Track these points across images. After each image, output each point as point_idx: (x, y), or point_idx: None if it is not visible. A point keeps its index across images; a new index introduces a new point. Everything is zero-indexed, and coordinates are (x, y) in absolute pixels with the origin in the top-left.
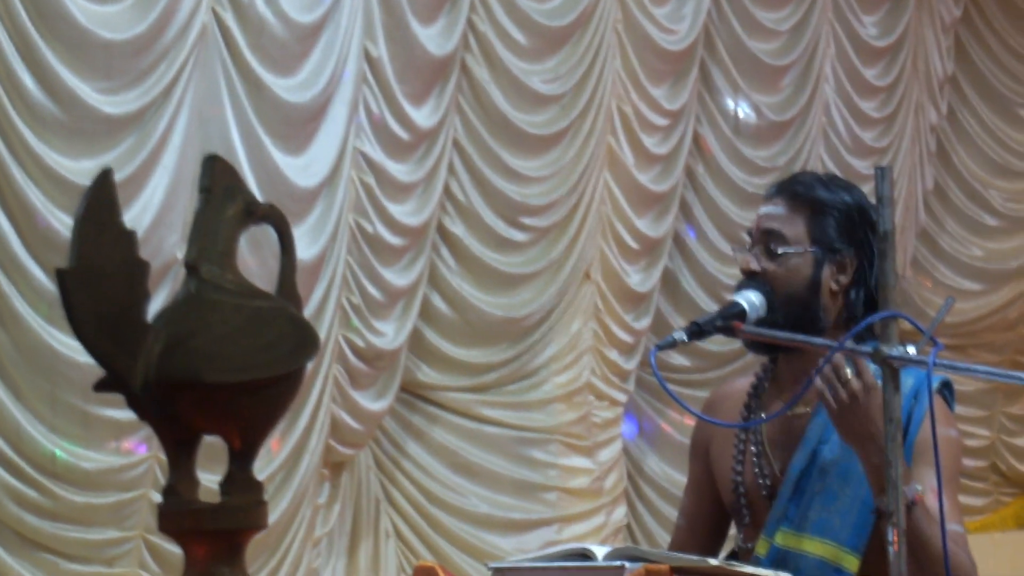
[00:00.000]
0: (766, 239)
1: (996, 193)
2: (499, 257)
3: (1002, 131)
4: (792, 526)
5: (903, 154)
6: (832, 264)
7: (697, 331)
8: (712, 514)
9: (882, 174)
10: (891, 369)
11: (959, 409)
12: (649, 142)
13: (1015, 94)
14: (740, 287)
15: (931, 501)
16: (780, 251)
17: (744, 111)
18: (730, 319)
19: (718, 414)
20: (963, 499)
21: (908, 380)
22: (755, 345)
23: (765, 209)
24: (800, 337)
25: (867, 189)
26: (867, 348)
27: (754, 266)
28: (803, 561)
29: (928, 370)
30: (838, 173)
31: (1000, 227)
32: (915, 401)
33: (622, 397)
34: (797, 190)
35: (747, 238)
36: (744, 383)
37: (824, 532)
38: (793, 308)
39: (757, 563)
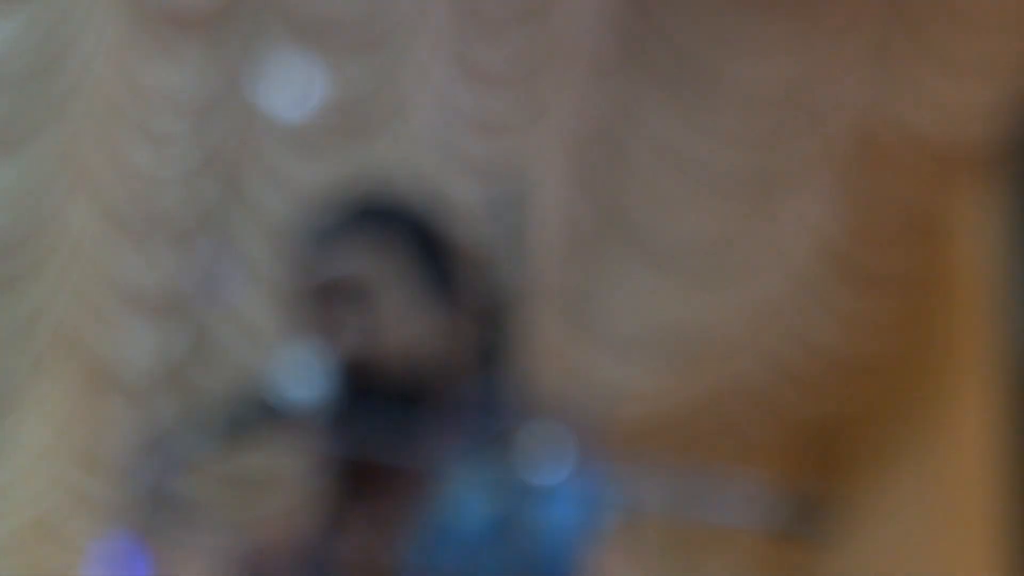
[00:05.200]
0: (342, 292)
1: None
2: None
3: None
4: None
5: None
6: (447, 319)
7: (235, 431)
8: None
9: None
10: (529, 492)
11: None
12: None
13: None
14: (297, 364)
15: None
16: (377, 308)
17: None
18: (277, 411)
19: None
20: None
21: (564, 507)
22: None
23: (329, 250)
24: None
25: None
26: (485, 461)
27: (327, 333)
28: None
29: (591, 490)
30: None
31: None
32: (577, 538)
33: (106, 539)
34: (370, 214)
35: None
36: (295, 526)
37: None
38: (399, 388)
39: None
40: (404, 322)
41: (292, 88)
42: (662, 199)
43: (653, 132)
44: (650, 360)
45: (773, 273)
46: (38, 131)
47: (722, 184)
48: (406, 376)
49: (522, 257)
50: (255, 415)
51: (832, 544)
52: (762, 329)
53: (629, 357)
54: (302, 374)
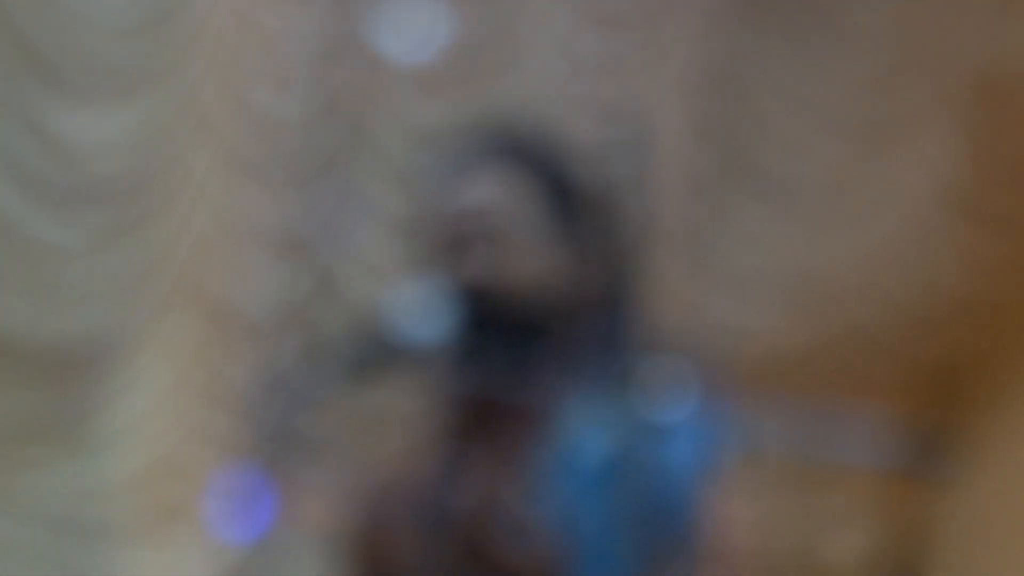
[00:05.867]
0: (471, 225)
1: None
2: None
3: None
4: None
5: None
6: (572, 255)
7: (358, 369)
8: None
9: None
10: (650, 430)
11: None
12: None
13: None
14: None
15: None
16: (505, 242)
17: None
18: (399, 348)
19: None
20: None
21: (684, 444)
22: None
23: (460, 182)
24: (510, 377)
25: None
26: (605, 398)
27: (453, 267)
28: None
29: (711, 428)
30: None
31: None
32: (696, 475)
33: (230, 475)
34: (501, 148)
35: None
36: (415, 464)
37: None
38: (522, 325)
39: None
40: (530, 257)
41: (414, 31)
42: (782, 141)
43: (773, 75)
44: (770, 300)
45: (892, 214)
46: (161, 76)
47: (842, 126)
48: (530, 312)
49: (643, 197)
50: (377, 352)
51: (951, 482)
52: (881, 269)
53: (749, 297)
54: (424, 311)
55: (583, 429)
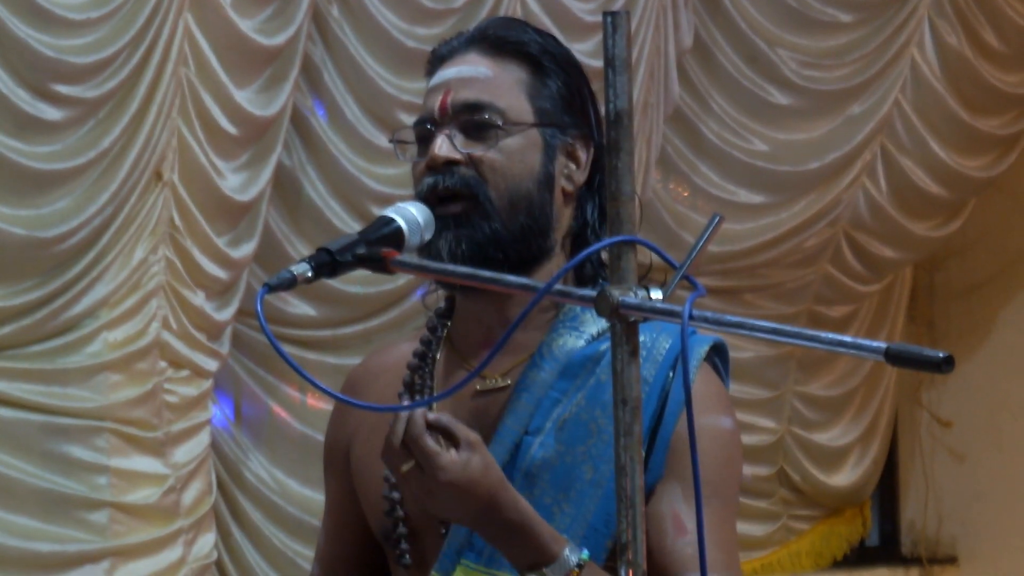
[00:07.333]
0: (465, 113)
1: (787, 54)
2: (20, 145)
3: None
4: (480, 559)
5: None
6: (564, 152)
7: (328, 263)
8: (363, 553)
9: (614, 23)
10: (626, 324)
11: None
12: None
13: None
14: (426, 193)
15: (687, 541)
16: (499, 124)
17: None
18: (378, 245)
19: (368, 396)
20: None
21: (664, 341)
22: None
23: (456, 69)
24: (486, 274)
25: (591, 46)
26: (587, 291)
27: (449, 152)
28: None
29: (683, 325)
30: (548, 22)
31: (793, 107)
32: (674, 374)
33: (212, 364)
34: (505, 38)
35: (413, 122)
36: (406, 349)
37: None
38: (519, 216)
39: None
40: (520, 143)
41: None
42: (772, 19)
43: None
44: (753, 188)
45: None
46: None
47: None
48: (517, 202)
49: (628, 81)
50: (360, 244)
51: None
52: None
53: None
54: (409, 206)
55: (563, 321)
